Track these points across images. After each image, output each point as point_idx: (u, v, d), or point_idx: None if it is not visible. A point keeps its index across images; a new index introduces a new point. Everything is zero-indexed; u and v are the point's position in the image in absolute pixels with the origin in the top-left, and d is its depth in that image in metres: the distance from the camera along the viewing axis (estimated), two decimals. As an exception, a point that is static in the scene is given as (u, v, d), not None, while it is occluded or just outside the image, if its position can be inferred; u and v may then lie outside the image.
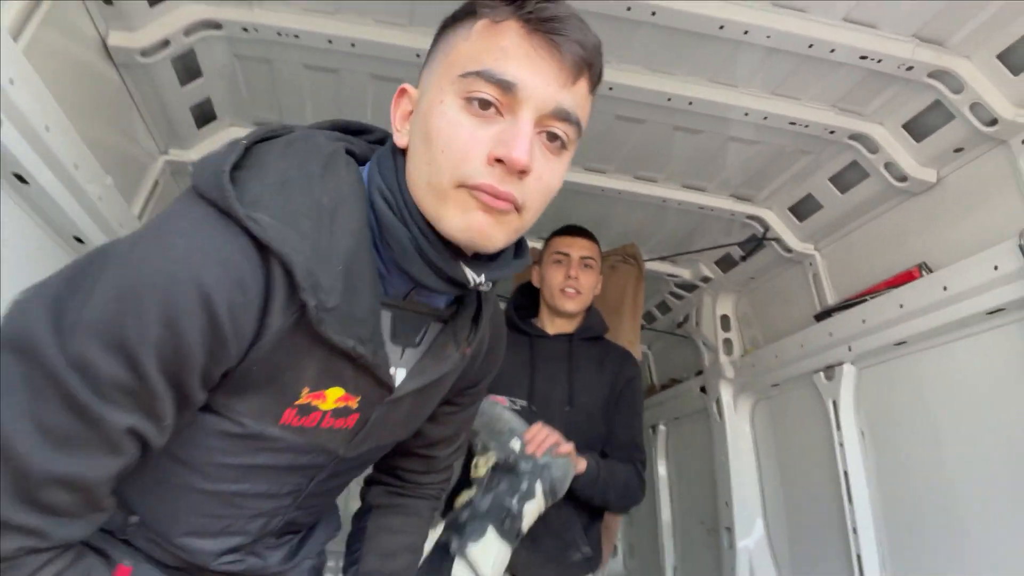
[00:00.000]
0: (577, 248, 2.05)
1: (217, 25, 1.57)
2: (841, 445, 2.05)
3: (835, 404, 2.08)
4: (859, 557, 1.96)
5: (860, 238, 2.07)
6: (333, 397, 0.87)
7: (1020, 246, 1.47)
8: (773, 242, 2.29)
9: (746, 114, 1.76)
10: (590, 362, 2.04)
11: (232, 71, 1.76)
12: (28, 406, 0.67)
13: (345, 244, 0.79)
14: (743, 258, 2.46)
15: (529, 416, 1.82)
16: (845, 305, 2.05)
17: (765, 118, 1.77)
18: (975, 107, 1.55)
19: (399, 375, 0.94)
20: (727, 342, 2.69)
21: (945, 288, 1.67)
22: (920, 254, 1.82)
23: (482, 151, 0.78)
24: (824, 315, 2.13)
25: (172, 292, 0.69)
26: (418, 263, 0.84)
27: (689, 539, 3.01)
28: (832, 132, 1.80)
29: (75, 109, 1.39)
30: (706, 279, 2.71)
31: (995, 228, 1.59)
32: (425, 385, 0.96)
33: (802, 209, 2.18)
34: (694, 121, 1.84)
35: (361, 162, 0.90)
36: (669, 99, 1.73)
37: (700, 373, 2.83)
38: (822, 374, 2.14)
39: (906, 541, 1.85)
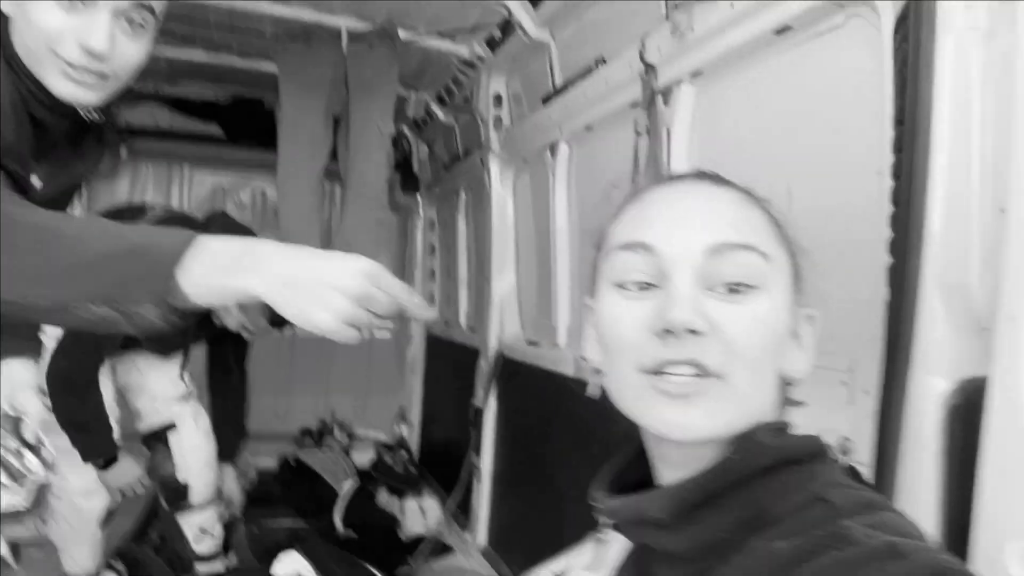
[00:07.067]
0: None
1: None
2: (555, 212, 2.47)
3: (553, 176, 2.46)
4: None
5: (589, 20, 2.25)
6: None
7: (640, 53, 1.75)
8: (519, 27, 2.47)
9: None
10: None
11: None
12: None
13: (5, 92, 1.01)
14: (501, 40, 2.65)
15: None
16: (561, 89, 2.32)
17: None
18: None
19: (35, 185, 1.18)
20: (497, 119, 2.95)
21: (606, 84, 1.97)
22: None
23: (70, 39, 0.98)
24: (547, 99, 2.41)
25: None
26: (37, 106, 1.07)
27: (478, 291, 3.53)
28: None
29: None
30: (481, 59, 2.89)
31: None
32: (55, 194, 1.22)
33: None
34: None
35: None
36: None
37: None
38: (548, 152, 2.48)
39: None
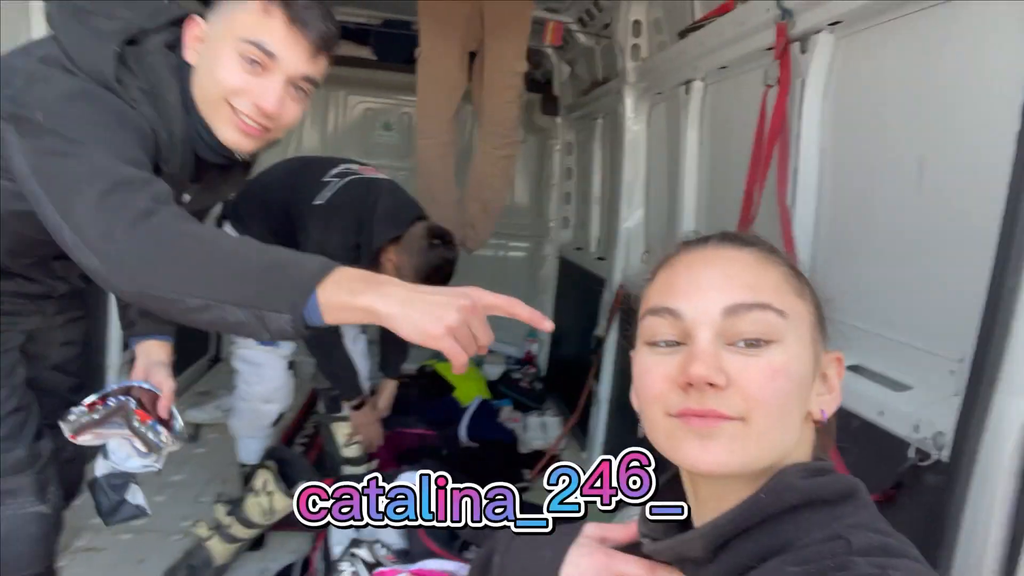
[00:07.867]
0: None
1: None
2: (685, 151, 2.42)
3: (686, 114, 2.39)
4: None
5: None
6: None
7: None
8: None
9: None
10: None
11: None
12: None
13: (180, 131, 1.24)
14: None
15: None
16: (697, 25, 2.22)
17: None
18: None
19: (185, 199, 1.42)
20: (635, 48, 2.87)
21: (742, 25, 1.87)
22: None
23: (247, 97, 1.19)
24: (684, 33, 2.32)
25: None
26: (202, 145, 1.28)
27: (609, 221, 3.54)
28: None
29: None
30: (622, -17, 2.80)
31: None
32: (199, 208, 1.48)
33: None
34: None
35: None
36: None
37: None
38: (683, 88, 2.40)
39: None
